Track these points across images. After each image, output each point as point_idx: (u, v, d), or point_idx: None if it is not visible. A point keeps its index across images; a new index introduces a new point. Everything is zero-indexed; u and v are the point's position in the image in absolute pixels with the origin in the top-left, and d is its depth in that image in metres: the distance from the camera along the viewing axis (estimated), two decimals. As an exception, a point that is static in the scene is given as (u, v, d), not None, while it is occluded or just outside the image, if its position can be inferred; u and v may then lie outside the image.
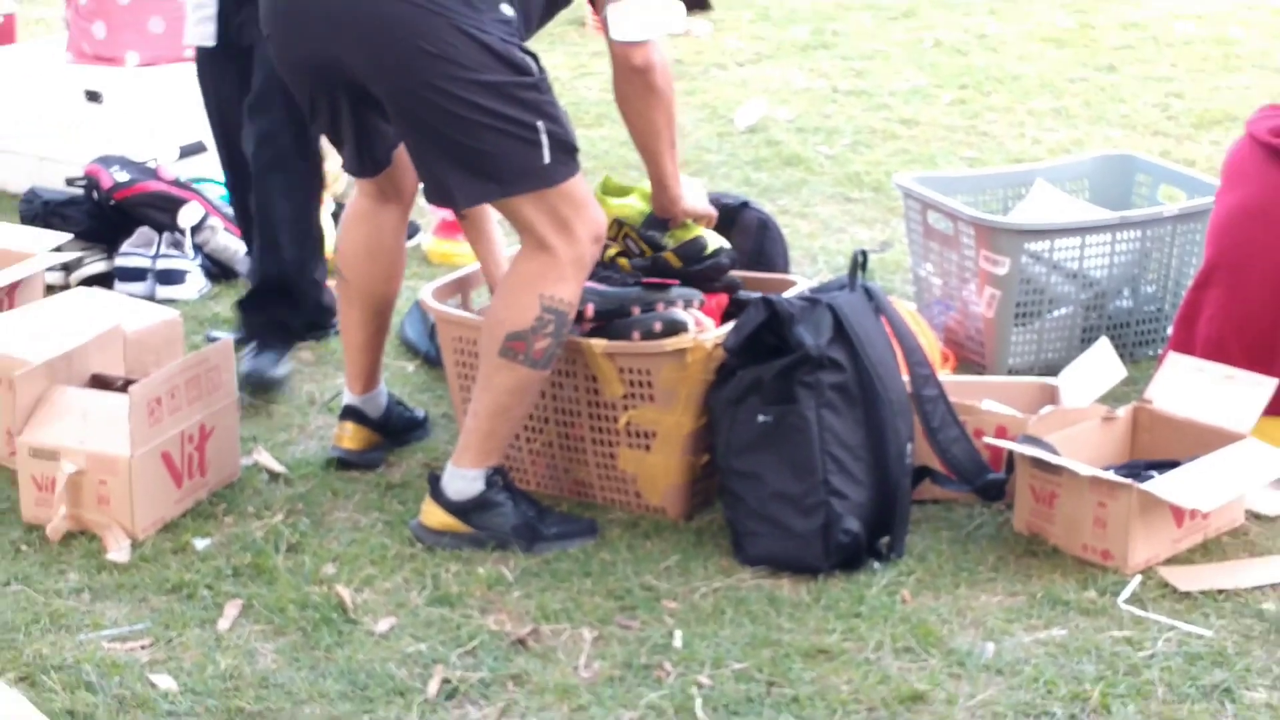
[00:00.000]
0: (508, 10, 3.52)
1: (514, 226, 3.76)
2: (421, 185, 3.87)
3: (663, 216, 4.03)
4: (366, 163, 3.92)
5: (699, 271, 4.02)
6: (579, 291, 3.69)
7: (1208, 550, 3.69)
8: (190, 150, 5.75)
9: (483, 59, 3.49)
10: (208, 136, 5.72)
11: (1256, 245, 3.98)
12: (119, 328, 4.16)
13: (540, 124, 3.55)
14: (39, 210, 5.36)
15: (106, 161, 5.40)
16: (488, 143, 3.55)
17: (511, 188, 3.62)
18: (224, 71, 4.79)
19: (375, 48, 3.55)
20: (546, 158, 3.56)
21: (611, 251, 4.03)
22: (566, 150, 3.62)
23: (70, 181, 5.42)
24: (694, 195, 4.07)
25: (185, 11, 4.81)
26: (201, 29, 4.60)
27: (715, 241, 4.04)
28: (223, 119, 4.88)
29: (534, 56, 3.60)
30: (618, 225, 4.08)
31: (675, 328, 3.76)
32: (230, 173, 5.00)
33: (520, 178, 3.60)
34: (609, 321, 3.83)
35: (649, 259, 4.07)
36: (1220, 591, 3.52)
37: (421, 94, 3.55)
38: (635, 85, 3.74)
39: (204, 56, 4.84)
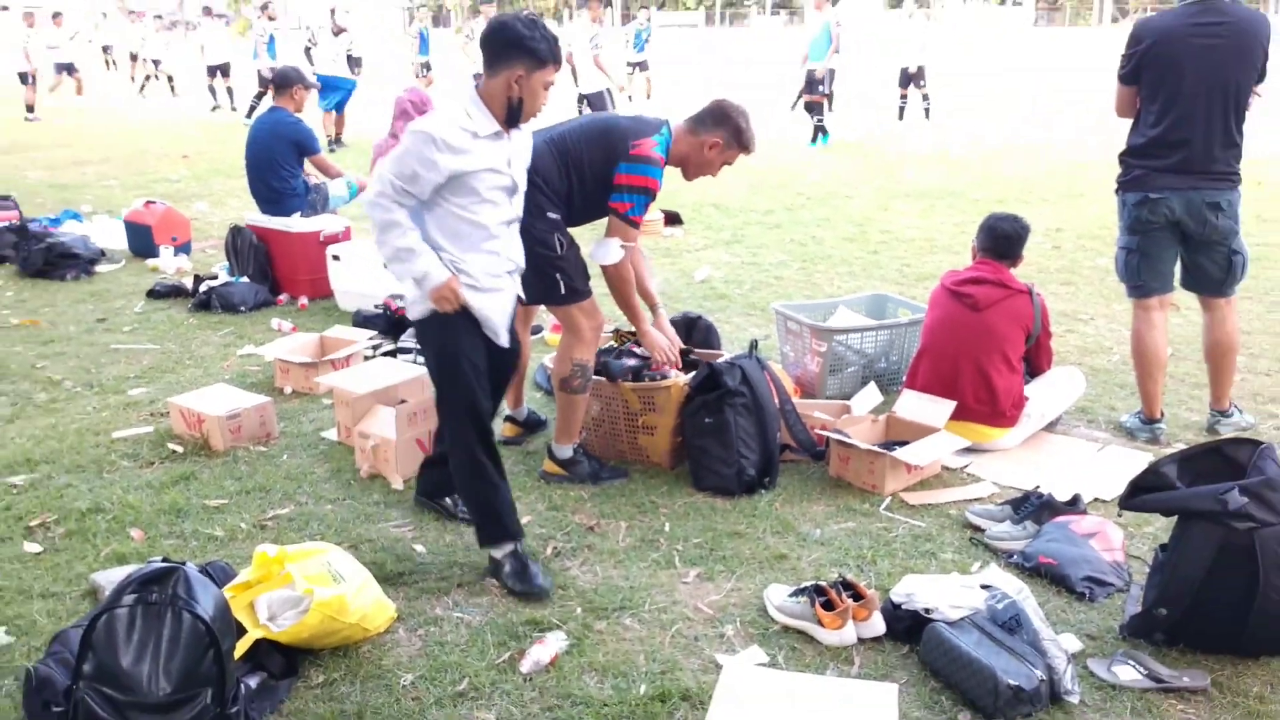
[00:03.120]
0: (553, 215, 3.42)
1: (556, 318, 3.66)
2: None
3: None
4: None
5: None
6: (593, 354, 3.61)
7: (924, 484, 3.66)
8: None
9: (532, 239, 3.27)
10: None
11: (943, 340, 3.96)
12: (422, 376, 4.10)
13: (558, 276, 3.46)
14: (360, 320, 5.38)
15: (394, 296, 5.41)
16: (531, 276, 3.32)
17: (547, 302, 3.56)
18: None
19: None
20: (563, 291, 3.48)
21: (617, 344, 3.99)
22: (575, 290, 3.49)
23: (375, 306, 5.44)
24: (658, 336, 3.76)
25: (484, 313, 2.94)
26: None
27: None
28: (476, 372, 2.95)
29: (564, 240, 3.45)
30: (624, 335, 4.05)
31: (666, 376, 3.75)
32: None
33: (550, 298, 3.53)
34: (637, 375, 3.80)
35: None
36: (929, 504, 3.51)
37: None
38: (606, 277, 3.57)
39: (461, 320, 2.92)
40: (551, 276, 3.47)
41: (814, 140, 13.14)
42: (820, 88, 13.06)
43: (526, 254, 3.42)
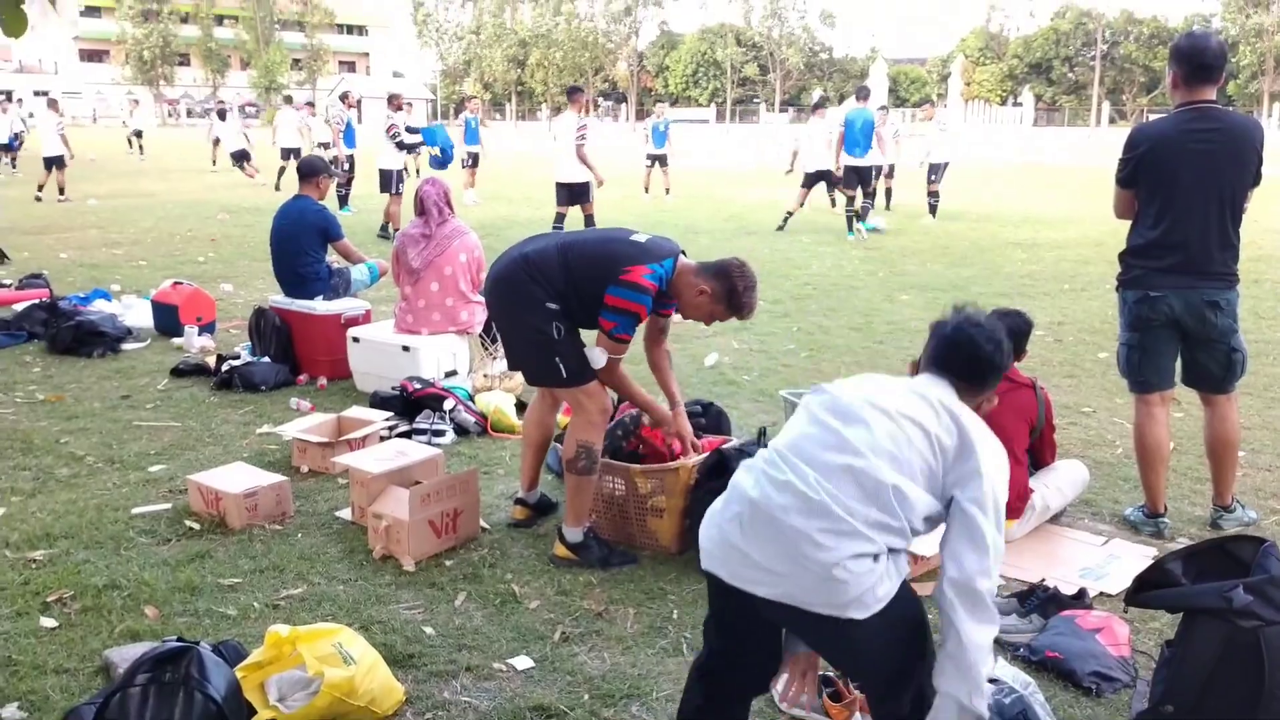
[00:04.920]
0: (552, 306, 3.47)
1: (565, 401, 3.73)
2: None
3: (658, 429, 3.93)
4: (512, 365, 3.84)
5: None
6: (600, 436, 3.63)
7: (930, 575, 3.58)
8: (450, 373, 5.79)
9: (530, 327, 3.50)
10: (459, 364, 5.79)
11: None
12: (436, 457, 4.16)
13: (557, 359, 3.52)
14: (377, 401, 5.39)
15: (411, 379, 5.44)
16: (535, 361, 3.57)
17: (549, 384, 3.67)
18: None
19: (496, 317, 3.69)
20: (564, 374, 3.54)
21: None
22: (576, 372, 3.55)
23: (392, 387, 5.47)
24: (680, 422, 3.85)
25: None
26: None
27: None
28: None
29: (561, 327, 3.50)
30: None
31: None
32: None
33: (550, 380, 3.62)
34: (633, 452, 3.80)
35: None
36: (936, 595, 3.45)
37: (509, 335, 3.66)
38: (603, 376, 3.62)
39: None
40: (551, 361, 3.55)
41: (862, 225, 13.20)
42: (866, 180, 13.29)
43: (525, 340, 3.56)
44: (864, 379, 2.53)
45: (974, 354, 2.55)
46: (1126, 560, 3.72)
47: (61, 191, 17.24)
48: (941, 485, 2.31)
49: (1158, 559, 2.71)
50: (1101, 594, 3.46)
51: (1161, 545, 3.88)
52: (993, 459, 2.33)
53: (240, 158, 21.18)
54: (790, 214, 13.98)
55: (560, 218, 11.33)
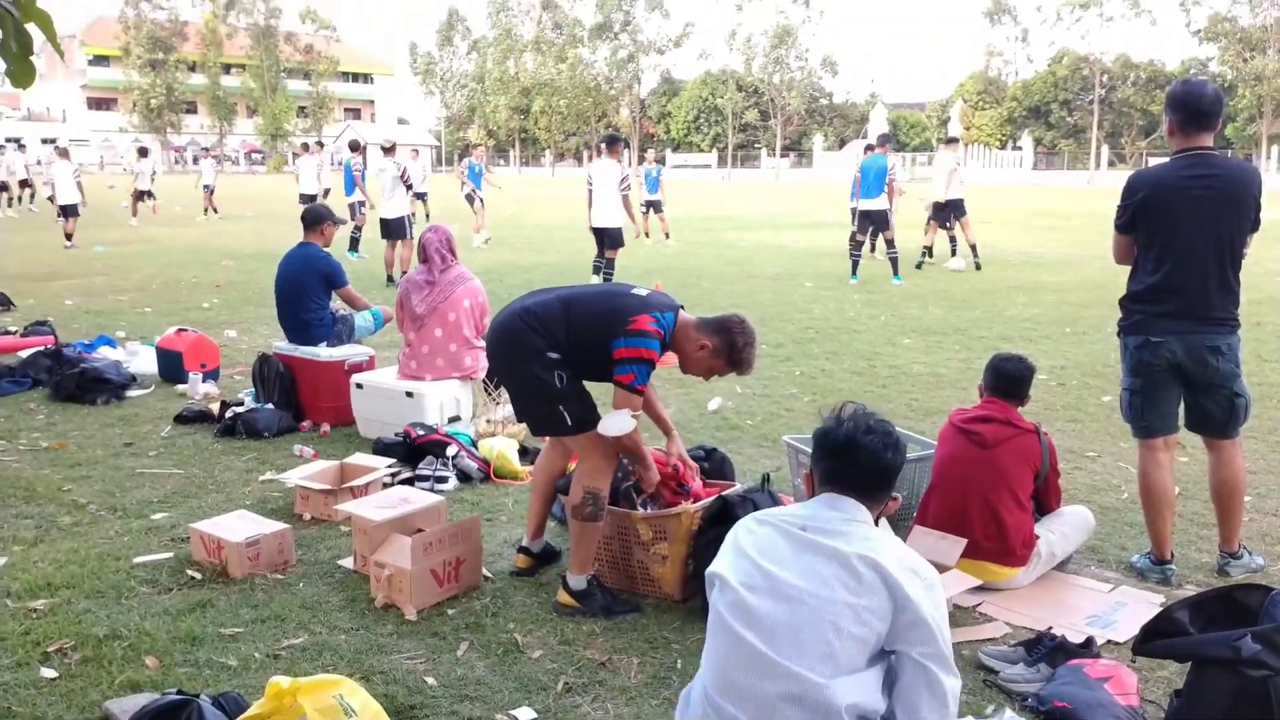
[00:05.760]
0: (553, 355, 3.48)
1: (572, 448, 3.74)
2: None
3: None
4: (519, 417, 3.85)
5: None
6: (608, 482, 3.62)
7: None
8: (453, 419, 5.79)
9: (532, 377, 3.50)
10: (463, 411, 5.79)
11: (952, 475, 3.95)
12: (438, 505, 4.14)
13: (562, 407, 3.52)
14: (380, 447, 5.40)
15: (414, 425, 5.45)
16: (539, 411, 3.60)
17: (554, 433, 3.69)
18: None
19: (499, 369, 3.76)
20: (569, 422, 3.54)
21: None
22: (581, 420, 3.54)
23: (395, 434, 5.46)
24: (676, 447, 3.96)
25: None
26: None
27: None
28: None
29: (562, 375, 3.49)
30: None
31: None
32: None
33: (556, 429, 3.64)
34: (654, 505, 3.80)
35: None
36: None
37: (512, 387, 3.69)
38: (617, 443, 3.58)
39: None
40: (556, 410, 3.54)
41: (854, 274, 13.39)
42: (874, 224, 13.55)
43: (528, 390, 3.58)
44: (764, 531, 2.42)
45: (872, 464, 2.44)
46: (1134, 607, 3.69)
47: (69, 238, 17.44)
48: (884, 643, 2.23)
49: (1165, 607, 2.70)
50: (1109, 642, 3.43)
51: (1169, 592, 3.85)
52: (926, 593, 2.22)
53: (139, 197, 22.85)
54: (928, 249, 14.97)
55: (609, 261, 11.65)
